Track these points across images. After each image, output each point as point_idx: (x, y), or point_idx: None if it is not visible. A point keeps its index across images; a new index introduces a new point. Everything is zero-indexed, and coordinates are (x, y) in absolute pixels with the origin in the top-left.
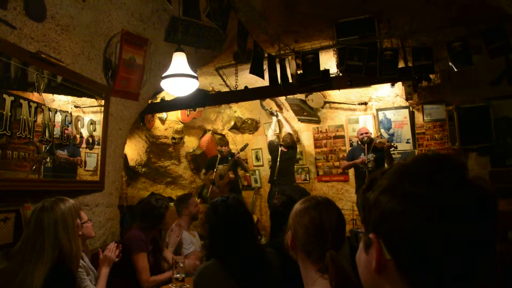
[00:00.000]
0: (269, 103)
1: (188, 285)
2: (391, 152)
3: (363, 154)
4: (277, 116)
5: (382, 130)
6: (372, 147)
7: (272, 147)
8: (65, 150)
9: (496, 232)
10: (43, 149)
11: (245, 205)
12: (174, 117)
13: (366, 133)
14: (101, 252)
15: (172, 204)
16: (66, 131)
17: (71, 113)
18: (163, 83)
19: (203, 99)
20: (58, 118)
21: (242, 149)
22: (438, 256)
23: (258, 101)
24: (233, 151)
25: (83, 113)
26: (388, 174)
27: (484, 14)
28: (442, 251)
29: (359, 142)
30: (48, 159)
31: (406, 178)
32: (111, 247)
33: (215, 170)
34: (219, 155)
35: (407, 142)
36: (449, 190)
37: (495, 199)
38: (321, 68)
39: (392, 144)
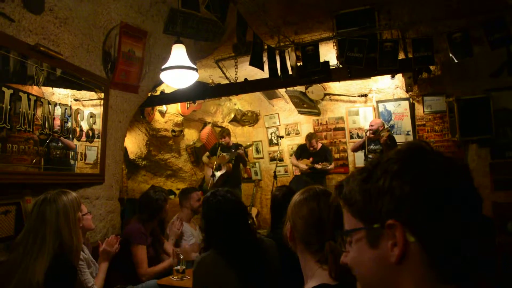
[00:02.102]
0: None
1: (189, 277)
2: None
3: (373, 144)
4: None
5: None
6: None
7: None
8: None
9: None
10: (44, 142)
11: (236, 196)
12: (174, 110)
13: (371, 126)
14: (100, 244)
15: (172, 196)
16: (66, 124)
17: (70, 106)
18: (163, 75)
19: (203, 92)
20: (58, 111)
21: (248, 147)
22: (456, 229)
23: (258, 93)
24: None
25: (83, 106)
26: (393, 160)
27: (484, 5)
28: (459, 225)
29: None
30: (48, 152)
31: (411, 161)
32: (110, 241)
33: (217, 156)
34: (219, 147)
35: (407, 134)
36: (450, 169)
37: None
38: (321, 60)
39: (387, 141)
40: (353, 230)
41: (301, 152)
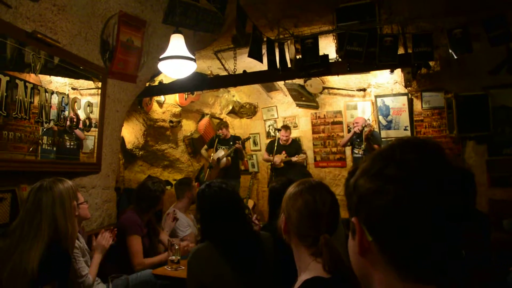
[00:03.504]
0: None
1: (183, 267)
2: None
3: (358, 139)
4: None
5: (380, 117)
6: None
7: None
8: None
9: (471, 207)
10: (40, 131)
11: (231, 187)
12: (172, 101)
13: (357, 123)
14: (94, 238)
15: (169, 187)
16: (63, 113)
17: (68, 95)
18: (161, 65)
19: (201, 83)
20: (55, 99)
21: (245, 140)
22: (409, 232)
23: (256, 86)
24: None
25: (80, 95)
26: (367, 159)
27: (485, 1)
28: (412, 227)
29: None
30: (44, 140)
31: (380, 160)
32: (105, 235)
33: (215, 149)
34: (217, 138)
35: (405, 129)
36: (418, 168)
37: (468, 176)
38: (320, 53)
39: (369, 135)
40: (346, 220)
41: (271, 147)
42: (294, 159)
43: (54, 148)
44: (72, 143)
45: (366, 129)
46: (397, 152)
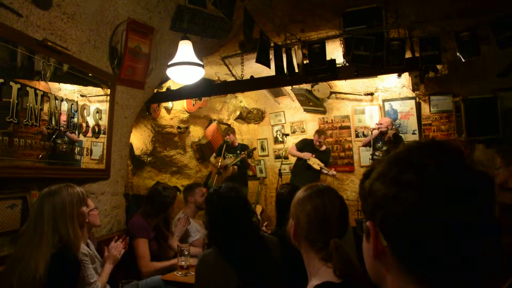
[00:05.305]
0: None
1: (192, 272)
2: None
3: (380, 142)
4: None
5: None
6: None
7: None
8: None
9: (489, 215)
10: (50, 137)
11: (239, 192)
12: (179, 107)
13: (381, 124)
14: (106, 248)
15: (178, 193)
16: (72, 120)
17: (77, 102)
18: (169, 71)
19: (209, 89)
20: (64, 106)
21: (252, 151)
22: (427, 239)
23: (263, 91)
24: (238, 141)
25: (89, 102)
26: (383, 162)
27: (493, 3)
28: (430, 234)
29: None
30: (54, 147)
31: (396, 164)
32: (116, 245)
33: (223, 157)
34: (224, 145)
35: (413, 133)
36: (436, 175)
37: (487, 182)
38: (328, 58)
39: (391, 138)
40: (360, 221)
41: (303, 146)
42: (324, 171)
43: (48, 153)
44: (64, 147)
45: (390, 131)
46: (415, 156)
